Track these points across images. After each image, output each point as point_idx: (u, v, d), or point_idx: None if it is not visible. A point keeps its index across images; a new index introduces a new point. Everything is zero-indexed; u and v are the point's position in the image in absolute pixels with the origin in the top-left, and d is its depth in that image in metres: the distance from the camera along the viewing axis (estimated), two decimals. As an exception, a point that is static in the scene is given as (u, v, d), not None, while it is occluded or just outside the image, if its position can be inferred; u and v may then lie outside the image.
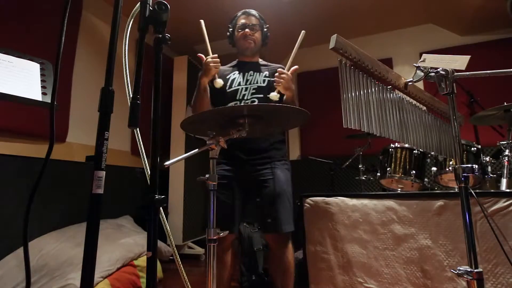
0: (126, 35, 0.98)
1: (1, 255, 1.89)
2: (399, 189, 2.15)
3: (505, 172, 1.77)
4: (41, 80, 0.98)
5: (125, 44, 0.96)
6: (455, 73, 1.05)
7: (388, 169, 2.13)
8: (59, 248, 1.95)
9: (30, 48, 2.09)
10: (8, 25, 2.09)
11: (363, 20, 3.57)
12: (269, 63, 1.76)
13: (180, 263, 1.14)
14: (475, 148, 1.96)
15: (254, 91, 1.61)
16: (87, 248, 0.62)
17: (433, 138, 1.36)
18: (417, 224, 1.45)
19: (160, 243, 2.51)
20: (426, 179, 2.13)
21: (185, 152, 1.23)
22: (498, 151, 2.03)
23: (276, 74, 1.52)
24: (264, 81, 1.64)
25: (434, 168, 2.09)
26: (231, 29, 1.73)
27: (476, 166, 1.00)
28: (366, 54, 1.11)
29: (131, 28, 0.98)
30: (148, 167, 0.92)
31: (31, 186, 0.77)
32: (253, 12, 1.72)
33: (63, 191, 2.35)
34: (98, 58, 2.78)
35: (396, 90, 1.23)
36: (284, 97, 1.56)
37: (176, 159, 1.08)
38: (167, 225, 1.13)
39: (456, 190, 1.07)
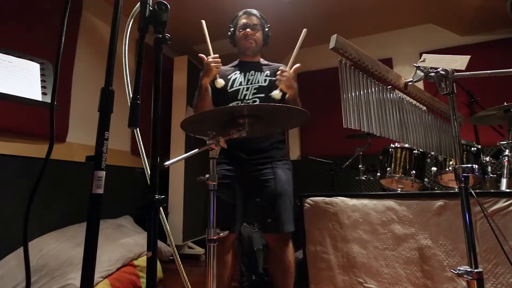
0: (126, 35, 0.98)
1: (1, 255, 1.89)
2: (399, 189, 2.15)
3: (505, 172, 1.77)
4: (41, 80, 0.98)
5: (125, 44, 0.97)
6: (455, 73, 1.05)
7: (388, 169, 2.13)
8: (59, 248, 1.95)
9: (30, 48, 2.09)
10: (8, 25, 2.09)
11: (363, 20, 3.57)
12: (270, 63, 1.76)
13: (180, 263, 1.14)
14: (475, 148, 1.97)
15: (255, 90, 1.61)
16: (87, 248, 0.62)
17: (433, 138, 1.36)
18: (417, 224, 1.45)
19: (160, 243, 2.51)
20: (426, 179, 2.13)
21: (185, 152, 1.23)
22: (498, 151, 2.03)
23: (278, 72, 1.52)
24: (265, 80, 1.64)
25: (434, 168, 2.09)
26: (232, 29, 1.72)
27: (476, 166, 1.00)
28: (366, 54, 1.11)
29: (131, 28, 0.98)
30: (148, 167, 0.92)
31: (31, 186, 0.77)
32: (254, 11, 1.71)
33: (63, 191, 2.35)
34: (98, 58, 2.78)
35: (396, 90, 1.23)
36: (287, 95, 1.56)
37: (176, 159, 1.08)
38: (167, 225, 1.13)
39: (456, 190, 1.07)
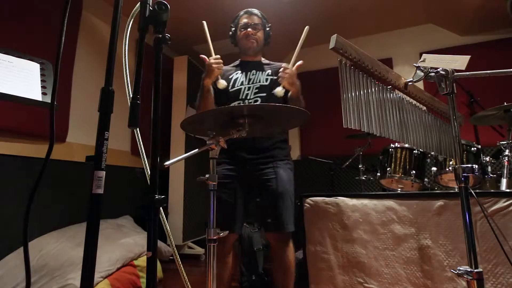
0: (126, 35, 0.98)
1: (1, 255, 1.89)
2: (399, 189, 2.15)
3: (505, 172, 1.77)
4: (41, 80, 0.98)
5: (125, 44, 0.97)
6: (455, 73, 1.05)
7: (388, 169, 2.13)
8: (59, 248, 1.95)
9: (30, 48, 2.09)
10: (8, 25, 2.09)
11: (363, 20, 3.57)
12: (271, 62, 1.75)
13: (180, 263, 1.14)
14: (475, 148, 1.96)
15: (257, 90, 1.61)
16: (87, 248, 0.62)
17: (433, 138, 1.36)
18: (417, 224, 1.45)
19: (160, 243, 2.51)
20: (426, 179, 2.13)
21: (185, 152, 1.23)
22: (498, 151, 2.03)
23: (281, 69, 1.52)
24: (266, 79, 1.64)
25: (434, 168, 2.09)
26: (233, 29, 1.72)
27: (476, 166, 1.00)
28: (366, 54, 1.11)
29: (131, 28, 0.98)
30: (148, 167, 0.92)
31: (31, 186, 0.77)
32: (255, 11, 1.71)
33: (63, 191, 2.35)
34: (98, 58, 2.78)
35: (396, 90, 1.23)
36: (289, 93, 1.55)
37: (176, 159, 1.08)
38: (167, 225, 1.13)
39: (456, 190, 1.07)
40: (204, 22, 1.60)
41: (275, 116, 1.19)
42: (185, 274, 1.15)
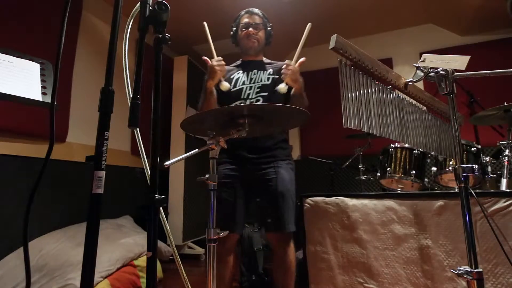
0: (126, 35, 0.98)
1: (1, 255, 1.89)
2: (399, 189, 2.15)
3: (505, 172, 1.77)
4: (41, 80, 0.98)
5: (125, 44, 0.96)
6: (455, 73, 1.05)
7: (388, 169, 2.13)
8: (59, 248, 1.95)
9: (30, 48, 2.09)
10: (8, 25, 2.09)
11: (363, 20, 3.57)
12: (273, 61, 1.75)
13: (180, 263, 1.14)
14: (475, 148, 1.96)
15: (258, 89, 1.61)
16: (87, 248, 0.62)
17: (433, 138, 1.36)
18: (417, 224, 1.45)
19: (160, 243, 2.51)
20: (426, 179, 2.13)
21: (185, 152, 1.23)
22: (498, 151, 2.03)
23: (283, 66, 1.51)
24: (268, 79, 1.64)
25: (434, 168, 2.09)
26: (234, 29, 1.72)
27: (476, 166, 1.00)
28: (366, 54, 1.11)
29: (131, 28, 0.98)
30: (148, 167, 0.92)
31: (31, 186, 0.77)
32: (256, 11, 1.71)
33: (63, 191, 2.35)
34: (98, 58, 2.78)
35: (396, 90, 1.23)
36: (292, 90, 1.55)
37: (176, 159, 1.08)
38: (167, 225, 1.13)
39: (456, 190, 1.07)
40: (205, 24, 1.60)
41: (275, 116, 1.19)
42: (185, 274, 1.15)
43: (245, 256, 2.29)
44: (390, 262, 1.47)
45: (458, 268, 0.95)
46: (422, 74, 1.08)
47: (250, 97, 1.60)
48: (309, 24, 1.51)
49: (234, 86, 1.63)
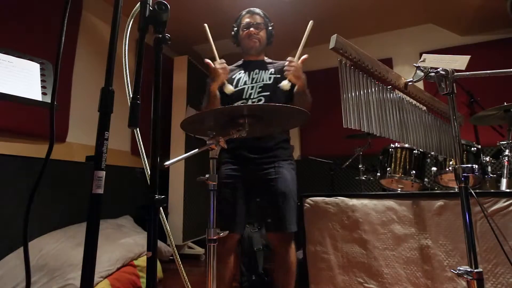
0: (126, 35, 0.98)
1: (1, 255, 1.89)
2: (399, 189, 2.15)
3: (505, 172, 1.77)
4: (41, 80, 0.98)
5: (125, 44, 0.96)
6: (455, 73, 1.05)
7: (388, 169, 2.13)
8: (59, 248, 1.95)
9: (30, 48, 2.09)
10: (8, 25, 2.09)
11: (363, 20, 3.57)
12: (274, 61, 1.75)
13: (180, 263, 1.14)
14: (475, 148, 1.96)
15: (260, 89, 1.61)
16: (87, 248, 0.62)
17: (433, 138, 1.36)
18: (417, 224, 1.45)
19: (160, 243, 2.51)
20: (426, 179, 2.13)
21: (185, 152, 1.23)
22: (498, 151, 2.03)
23: (286, 63, 1.51)
24: (270, 78, 1.63)
25: (434, 168, 2.09)
26: (235, 29, 1.72)
27: (476, 166, 1.00)
28: (366, 54, 1.11)
29: (131, 28, 0.98)
30: (148, 167, 0.92)
31: (31, 186, 0.77)
32: (258, 10, 1.71)
33: (63, 191, 2.35)
34: (98, 58, 2.78)
35: (396, 90, 1.23)
36: (295, 87, 1.54)
37: (176, 159, 1.08)
38: (167, 225, 1.13)
39: (456, 190, 1.07)
40: (206, 25, 1.60)
41: (275, 116, 1.19)
42: (185, 274, 1.15)
43: (245, 256, 2.29)
44: (390, 262, 1.47)
45: (458, 268, 0.95)
46: (422, 74, 1.08)
47: (252, 97, 1.60)
48: (311, 21, 1.51)
49: (236, 86, 1.63)
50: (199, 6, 3.09)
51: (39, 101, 0.93)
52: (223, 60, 1.56)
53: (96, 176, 0.65)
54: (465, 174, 0.98)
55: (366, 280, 1.52)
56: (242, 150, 1.57)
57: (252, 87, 1.61)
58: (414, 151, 2.09)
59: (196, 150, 1.10)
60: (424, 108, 1.35)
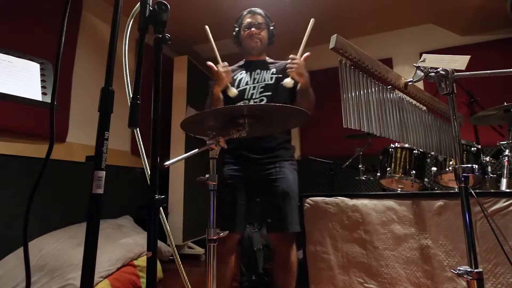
0: (126, 35, 0.98)
1: (1, 255, 1.89)
2: (399, 189, 2.15)
3: (505, 172, 1.77)
4: (41, 80, 0.98)
5: (125, 44, 0.96)
6: (455, 73, 1.05)
7: (388, 169, 2.13)
8: (59, 248, 1.95)
9: (30, 48, 2.09)
10: (8, 25, 2.09)
11: (363, 20, 3.57)
12: (276, 61, 1.75)
13: (180, 263, 1.14)
14: (475, 148, 1.96)
15: (262, 89, 1.61)
16: (87, 248, 0.62)
17: (433, 138, 1.36)
18: (417, 224, 1.45)
19: (160, 243, 2.51)
20: (426, 179, 2.13)
21: (185, 152, 1.23)
22: (498, 151, 2.03)
23: (289, 60, 1.51)
24: (271, 78, 1.63)
25: (434, 168, 2.09)
26: (237, 29, 1.72)
27: (476, 166, 1.00)
28: (366, 54, 1.11)
29: (131, 28, 0.98)
30: (148, 167, 0.92)
31: (31, 186, 0.77)
32: (259, 10, 1.71)
33: (63, 191, 2.35)
34: (98, 58, 2.78)
35: (396, 90, 1.23)
36: (299, 84, 1.54)
37: (176, 159, 1.08)
38: (167, 225, 1.13)
39: (456, 190, 1.07)
40: (207, 27, 1.59)
41: (275, 116, 1.19)
42: (185, 274, 1.15)
43: (245, 256, 2.29)
44: (390, 262, 1.47)
45: (458, 268, 0.95)
46: (422, 74, 1.08)
47: (253, 97, 1.59)
48: (312, 19, 1.51)
49: (238, 86, 1.63)
50: (199, 6, 3.09)
51: (39, 101, 0.93)
52: (226, 63, 1.56)
53: (96, 176, 0.65)
54: (465, 174, 0.98)
55: (366, 280, 1.52)
56: (244, 150, 1.57)
57: (254, 87, 1.61)
58: (414, 151, 2.09)
59: (196, 150, 1.10)
60: (424, 108, 1.35)
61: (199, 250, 3.29)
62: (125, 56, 0.98)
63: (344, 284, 1.56)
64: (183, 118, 1.10)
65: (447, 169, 2.00)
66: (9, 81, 0.90)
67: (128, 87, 0.99)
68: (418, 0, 3.23)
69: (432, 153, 1.84)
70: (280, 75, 1.60)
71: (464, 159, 1.95)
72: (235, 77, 1.65)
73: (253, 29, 1.65)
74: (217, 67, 1.54)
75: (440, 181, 2.12)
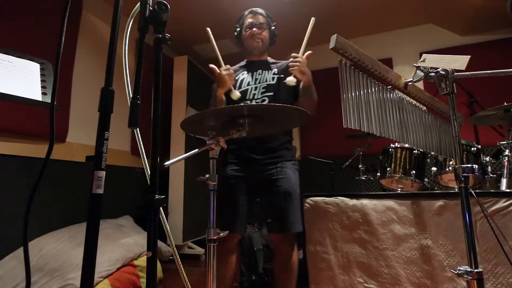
0: (126, 35, 0.98)
1: (1, 255, 1.89)
2: (399, 189, 2.15)
3: (505, 172, 1.77)
4: (41, 80, 0.98)
5: (125, 44, 0.96)
6: (455, 73, 1.05)
7: (388, 169, 2.13)
8: (59, 248, 1.95)
9: (30, 48, 2.10)
10: (8, 25, 2.09)
11: (363, 20, 3.57)
12: (277, 61, 1.74)
13: (180, 263, 1.14)
14: (475, 148, 1.96)
15: (264, 90, 1.60)
16: (87, 248, 0.62)
17: (433, 138, 1.36)
18: (417, 224, 1.45)
19: (160, 243, 2.51)
20: (426, 179, 2.13)
21: (185, 152, 1.23)
22: (498, 151, 2.03)
23: (291, 59, 1.51)
24: (273, 78, 1.63)
25: (434, 168, 2.09)
26: (238, 29, 1.71)
27: (476, 166, 1.00)
28: (366, 54, 1.11)
29: (131, 28, 0.98)
30: (148, 167, 0.92)
31: (31, 186, 0.77)
32: (260, 10, 1.71)
33: (63, 191, 2.35)
34: (98, 58, 2.78)
35: (396, 90, 1.23)
36: (301, 83, 1.53)
37: (176, 159, 1.08)
38: (167, 225, 1.13)
39: (456, 190, 1.07)
40: (209, 29, 1.59)
41: (275, 116, 1.19)
42: (185, 274, 1.15)
43: (245, 256, 2.29)
44: (390, 262, 1.47)
45: (458, 268, 0.95)
46: (422, 74, 1.08)
47: (255, 97, 1.59)
48: (312, 18, 1.52)
49: (239, 87, 1.63)
50: (199, 6, 3.09)
51: (39, 101, 0.93)
52: (228, 66, 1.56)
53: (96, 176, 0.65)
54: (465, 174, 0.98)
55: (366, 280, 1.52)
56: (246, 151, 1.57)
57: (256, 88, 1.61)
58: (414, 151, 2.09)
59: (196, 150, 1.10)
60: (424, 108, 1.35)
61: (199, 250, 3.29)
62: (125, 56, 0.98)
63: (344, 284, 1.56)
64: (183, 118, 1.10)
65: (447, 169, 2.00)
66: (9, 81, 0.90)
67: (128, 87, 0.99)
68: (418, 0, 3.23)
69: (432, 153, 1.84)
70: (282, 75, 1.60)
71: (464, 159, 1.95)
72: (236, 78, 1.65)
73: (254, 29, 1.65)
74: (220, 70, 1.54)
75: (440, 181, 2.12)
